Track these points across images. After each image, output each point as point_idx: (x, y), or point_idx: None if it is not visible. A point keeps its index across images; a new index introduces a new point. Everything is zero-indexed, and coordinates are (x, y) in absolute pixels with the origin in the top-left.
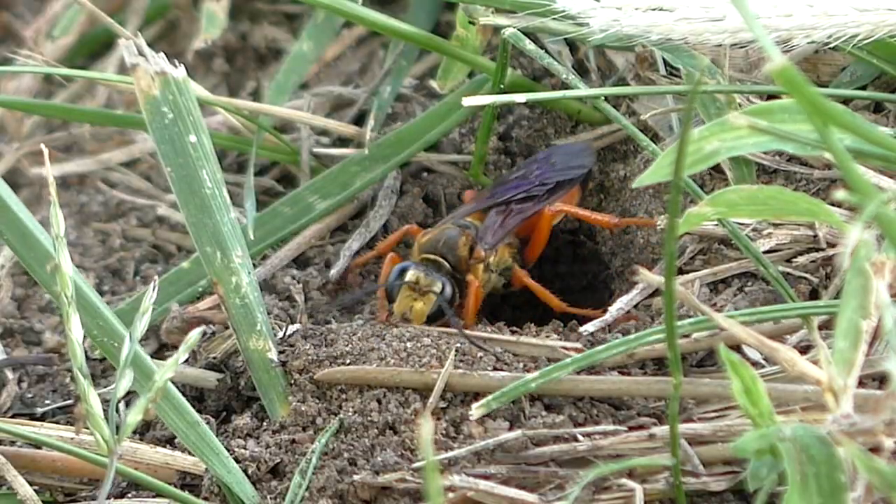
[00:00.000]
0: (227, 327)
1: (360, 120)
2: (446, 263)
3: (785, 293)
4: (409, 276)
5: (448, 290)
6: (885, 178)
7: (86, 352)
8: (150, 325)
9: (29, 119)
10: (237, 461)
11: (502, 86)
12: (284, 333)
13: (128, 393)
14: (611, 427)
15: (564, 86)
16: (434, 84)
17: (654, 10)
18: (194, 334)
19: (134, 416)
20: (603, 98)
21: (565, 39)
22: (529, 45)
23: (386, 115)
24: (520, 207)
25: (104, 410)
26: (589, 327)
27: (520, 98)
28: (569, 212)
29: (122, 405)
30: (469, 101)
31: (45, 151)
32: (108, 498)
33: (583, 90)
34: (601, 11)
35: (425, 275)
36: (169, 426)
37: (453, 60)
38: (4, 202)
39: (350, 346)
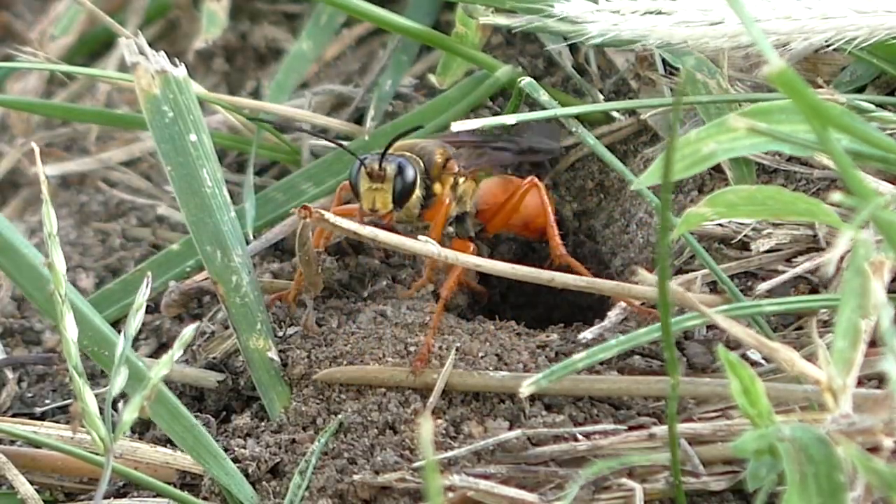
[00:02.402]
0: (226, 327)
1: (359, 119)
2: (420, 163)
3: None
4: (368, 162)
5: (410, 172)
6: (884, 183)
7: (83, 351)
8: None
9: (32, 119)
10: (237, 461)
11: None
12: (284, 333)
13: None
14: (611, 427)
15: (566, 88)
16: (433, 79)
17: (652, 13)
18: (188, 331)
19: (129, 415)
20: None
21: (565, 39)
22: (543, 97)
23: (385, 113)
24: (494, 153)
25: (100, 409)
26: (587, 335)
27: (510, 119)
28: (542, 198)
29: (119, 404)
30: (457, 126)
31: (37, 151)
32: (108, 497)
33: (573, 108)
34: (600, 16)
35: (383, 160)
36: (165, 431)
37: (453, 56)
38: None
39: (349, 345)
